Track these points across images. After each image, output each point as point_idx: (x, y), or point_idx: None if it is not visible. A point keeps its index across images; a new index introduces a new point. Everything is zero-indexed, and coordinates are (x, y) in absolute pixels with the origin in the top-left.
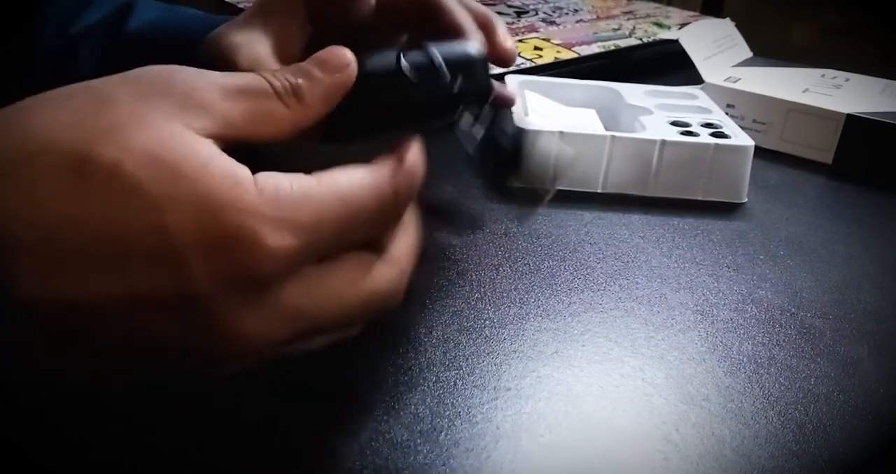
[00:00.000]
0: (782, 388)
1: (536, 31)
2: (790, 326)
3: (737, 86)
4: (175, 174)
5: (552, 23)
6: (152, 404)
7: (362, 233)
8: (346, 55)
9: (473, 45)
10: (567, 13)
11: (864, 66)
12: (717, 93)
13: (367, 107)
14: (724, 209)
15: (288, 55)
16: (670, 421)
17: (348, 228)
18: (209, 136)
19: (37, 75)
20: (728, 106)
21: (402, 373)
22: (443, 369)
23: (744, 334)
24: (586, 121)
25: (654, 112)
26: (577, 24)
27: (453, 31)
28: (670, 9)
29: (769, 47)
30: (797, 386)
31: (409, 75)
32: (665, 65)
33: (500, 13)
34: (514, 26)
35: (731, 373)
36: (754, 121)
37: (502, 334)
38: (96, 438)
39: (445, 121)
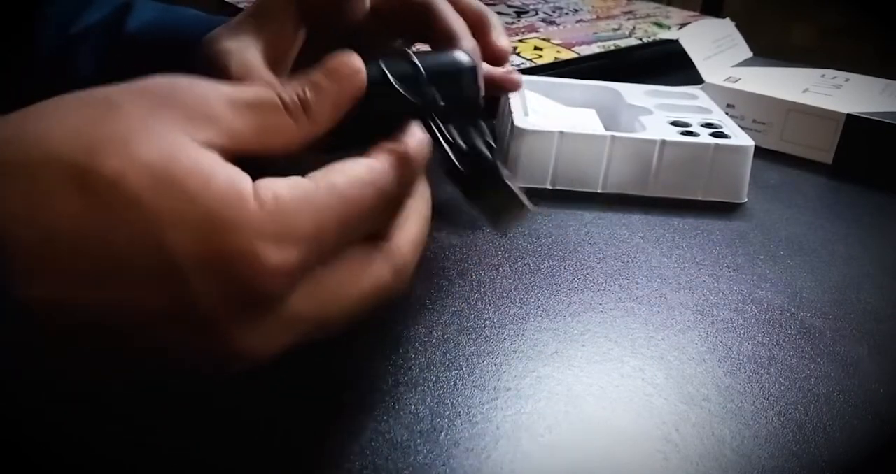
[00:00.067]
0: (782, 388)
1: (536, 31)
2: (790, 326)
3: (737, 86)
4: (177, 190)
5: (552, 23)
6: (152, 404)
7: (366, 227)
8: (356, 63)
9: (461, 53)
10: (567, 13)
11: (864, 66)
12: (717, 93)
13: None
14: (724, 209)
15: (281, 59)
16: (670, 421)
17: (351, 227)
18: (214, 148)
19: (37, 75)
20: (728, 106)
21: (402, 373)
22: (443, 369)
23: (744, 334)
24: (586, 122)
25: (654, 112)
26: (577, 24)
27: (446, 37)
28: (670, 9)
29: (769, 47)
30: (797, 386)
31: (393, 83)
32: (665, 65)
33: (499, 13)
34: (514, 26)
35: (731, 373)
36: (754, 121)
37: (502, 334)
38: (96, 438)
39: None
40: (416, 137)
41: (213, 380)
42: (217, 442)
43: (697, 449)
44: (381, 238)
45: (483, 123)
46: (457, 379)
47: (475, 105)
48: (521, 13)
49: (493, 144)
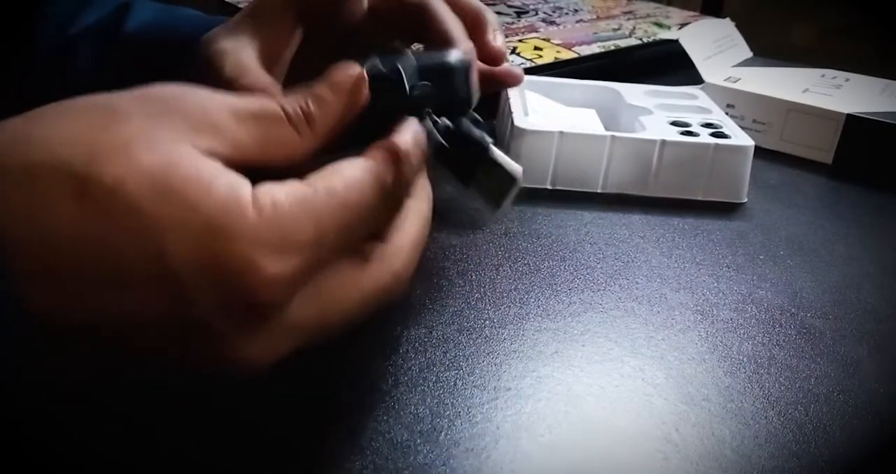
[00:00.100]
0: (782, 388)
1: (536, 31)
2: (790, 326)
3: (737, 86)
4: (177, 199)
5: (552, 23)
6: (152, 404)
7: (365, 230)
8: (359, 77)
9: (455, 52)
10: (567, 13)
11: (864, 66)
12: (717, 93)
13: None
14: (724, 209)
15: (278, 59)
16: (670, 421)
17: (351, 230)
18: (217, 157)
19: (36, 75)
20: (728, 106)
21: (402, 373)
22: (443, 369)
23: (744, 334)
24: (586, 122)
25: (654, 112)
26: (577, 24)
27: (441, 38)
28: (670, 9)
29: (769, 47)
30: (797, 386)
31: (387, 80)
32: (665, 65)
33: (499, 13)
34: (514, 26)
35: (731, 373)
36: (754, 121)
37: (502, 334)
38: (96, 438)
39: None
40: (411, 134)
41: (214, 381)
42: (217, 442)
43: (697, 449)
44: (381, 239)
45: (473, 113)
46: (457, 379)
47: (468, 104)
48: (520, 13)
49: (480, 120)
